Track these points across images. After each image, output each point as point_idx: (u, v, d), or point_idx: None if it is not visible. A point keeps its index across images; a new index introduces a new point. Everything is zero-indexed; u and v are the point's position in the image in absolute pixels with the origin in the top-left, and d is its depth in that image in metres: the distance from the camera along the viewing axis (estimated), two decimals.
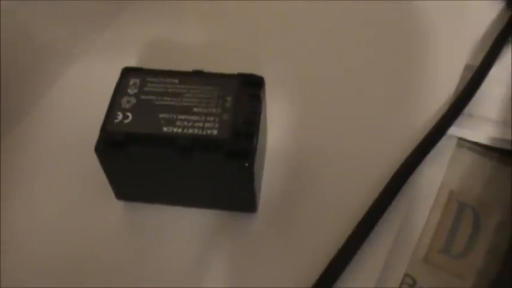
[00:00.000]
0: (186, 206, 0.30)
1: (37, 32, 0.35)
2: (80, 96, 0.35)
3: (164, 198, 0.30)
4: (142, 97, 0.28)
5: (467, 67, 0.35)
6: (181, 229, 0.30)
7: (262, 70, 0.29)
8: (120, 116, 0.28)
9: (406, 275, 0.28)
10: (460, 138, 0.32)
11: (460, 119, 0.33)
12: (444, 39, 0.37)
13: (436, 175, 0.31)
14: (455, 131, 0.32)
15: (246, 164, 0.26)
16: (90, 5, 0.36)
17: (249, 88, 0.28)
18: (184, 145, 0.27)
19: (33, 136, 0.34)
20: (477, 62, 0.35)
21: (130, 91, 0.28)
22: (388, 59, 0.36)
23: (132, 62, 0.30)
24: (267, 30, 0.38)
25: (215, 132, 0.27)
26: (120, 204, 0.31)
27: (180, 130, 0.27)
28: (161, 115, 0.27)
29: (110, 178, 0.29)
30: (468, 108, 0.33)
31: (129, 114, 0.28)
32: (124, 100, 0.28)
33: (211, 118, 0.27)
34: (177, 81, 0.29)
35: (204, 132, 0.27)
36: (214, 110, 0.27)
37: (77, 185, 0.32)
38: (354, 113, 0.34)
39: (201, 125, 0.27)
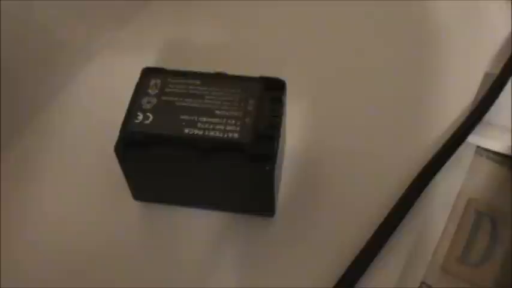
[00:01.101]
0: (204, 209, 0.30)
1: (55, 29, 0.35)
2: (98, 94, 0.35)
3: (182, 200, 0.30)
4: (164, 98, 0.28)
5: (486, 75, 0.35)
6: (199, 232, 0.30)
7: (280, 72, 0.29)
8: (140, 117, 0.27)
9: (423, 283, 0.28)
10: (479, 147, 0.32)
11: (479, 128, 0.32)
12: (464, 47, 0.37)
13: (454, 183, 0.31)
14: (473, 139, 0.32)
15: (267, 168, 0.26)
16: (109, 3, 0.36)
17: (271, 91, 0.28)
18: (206, 148, 0.26)
19: (51, 135, 0.33)
20: (497, 71, 0.35)
21: (151, 91, 0.28)
22: (408, 65, 0.36)
23: (150, 62, 0.30)
24: (286, 32, 0.38)
25: (236, 135, 0.27)
26: (137, 204, 0.31)
27: (201, 132, 0.27)
28: (182, 116, 0.27)
29: (128, 178, 0.29)
30: (487, 117, 0.33)
31: (149, 114, 0.27)
32: (145, 100, 0.28)
33: (233, 121, 0.27)
34: (198, 82, 0.28)
35: (226, 135, 0.27)
36: (236, 113, 0.27)
37: (95, 184, 0.31)
38: (373, 118, 0.34)
39: (222, 127, 0.27)
